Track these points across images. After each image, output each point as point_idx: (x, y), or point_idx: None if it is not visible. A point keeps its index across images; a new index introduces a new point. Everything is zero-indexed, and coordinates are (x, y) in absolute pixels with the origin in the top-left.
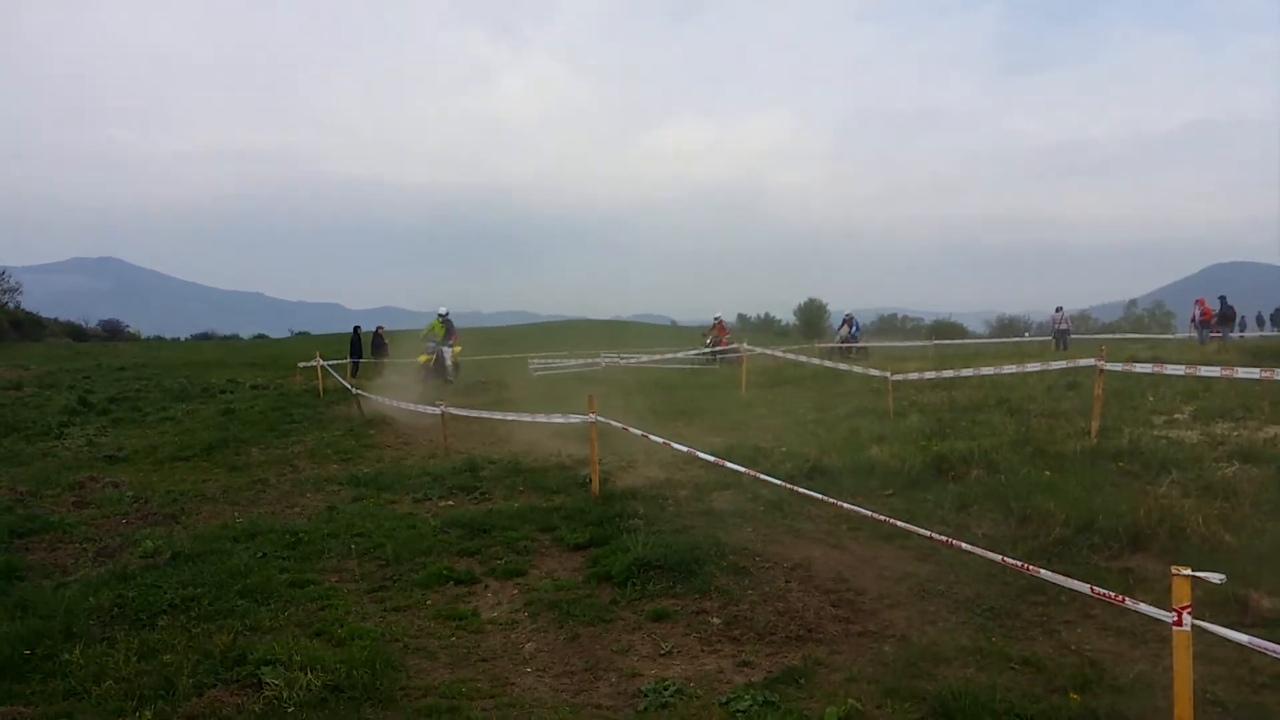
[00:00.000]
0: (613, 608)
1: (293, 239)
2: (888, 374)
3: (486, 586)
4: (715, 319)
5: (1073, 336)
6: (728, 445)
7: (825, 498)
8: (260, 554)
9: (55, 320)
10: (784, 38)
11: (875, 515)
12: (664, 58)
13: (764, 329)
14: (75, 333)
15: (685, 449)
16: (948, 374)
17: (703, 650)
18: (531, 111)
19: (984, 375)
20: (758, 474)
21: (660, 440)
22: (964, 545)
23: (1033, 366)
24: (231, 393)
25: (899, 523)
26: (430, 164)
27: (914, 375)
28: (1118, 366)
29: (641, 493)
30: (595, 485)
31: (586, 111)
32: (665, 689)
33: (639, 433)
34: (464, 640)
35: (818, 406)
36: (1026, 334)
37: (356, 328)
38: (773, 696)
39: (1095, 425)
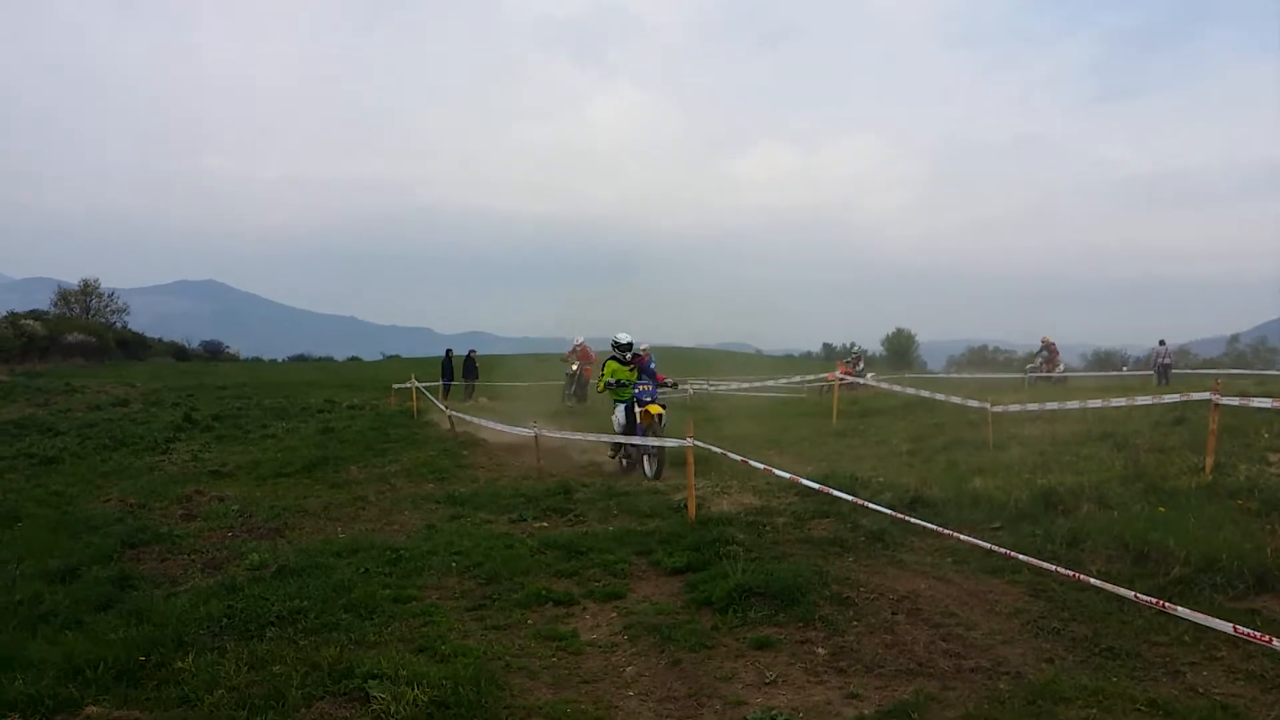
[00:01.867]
0: (714, 634)
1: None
2: (988, 405)
3: (585, 608)
4: (579, 343)
5: (1174, 371)
6: (822, 474)
7: (939, 528)
8: (363, 569)
9: (160, 340)
10: (872, 65)
11: (995, 548)
12: (750, 84)
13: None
14: (178, 352)
15: (788, 475)
16: (1051, 406)
17: (809, 681)
18: (617, 139)
19: (1088, 408)
20: (863, 501)
21: (760, 466)
22: (1092, 580)
23: (1142, 400)
24: (329, 412)
25: (1022, 556)
26: (518, 191)
27: (1015, 407)
28: (1234, 400)
29: (738, 519)
30: (691, 510)
31: (672, 138)
32: (773, 718)
33: (738, 458)
34: (565, 661)
35: (912, 437)
36: (1125, 368)
37: (449, 350)
38: None
39: (1210, 461)
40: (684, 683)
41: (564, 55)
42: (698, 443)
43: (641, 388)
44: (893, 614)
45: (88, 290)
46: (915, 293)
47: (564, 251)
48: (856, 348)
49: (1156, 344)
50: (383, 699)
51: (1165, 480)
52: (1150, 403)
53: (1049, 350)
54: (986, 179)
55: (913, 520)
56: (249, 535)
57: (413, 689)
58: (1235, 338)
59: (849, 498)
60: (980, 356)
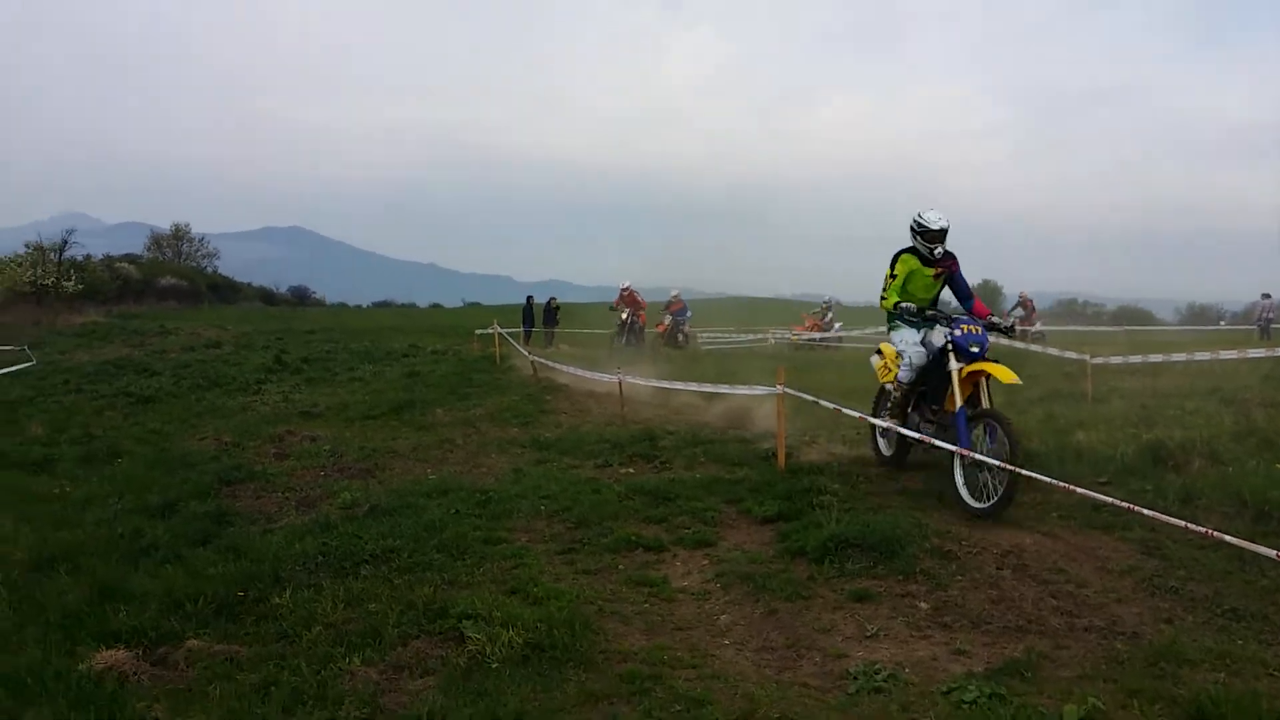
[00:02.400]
0: (810, 584)
1: (465, 213)
2: (1087, 357)
3: (675, 555)
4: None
5: (1275, 326)
6: None
7: (1055, 481)
8: (453, 510)
9: (249, 285)
10: (953, 6)
11: (1116, 501)
12: (830, 28)
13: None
14: (267, 297)
15: (882, 423)
16: (1155, 358)
17: (911, 635)
18: (696, 85)
19: (1194, 361)
20: (967, 452)
21: (855, 414)
22: (1227, 537)
23: (1256, 352)
24: (413, 357)
25: (1148, 511)
26: (596, 141)
27: (1117, 359)
28: None
29: (829, 469)
30: (781, 458)
31: (749, 87)
32: (876, 673)
33: (831, 405)
34: (657, 608)
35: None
36: (1222, 322)
37: (530, 297)
38: (999, 689)
39: None
40: (781, 633)
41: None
42: (788, 390)
43: (964, 329)
44: (998, 569)
45: (179, 235)
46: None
47: (642, 200)
48: (830, 299)
49: (1260, 297)
50: (478, 639)
51: None
52: (1264, 355)
53: (1025, 306)
54: (1078, 126)
55: (1024, 473)
56: (340, 475)
57: (508, 630)
58: None
59: (948, 447)
60: (1070, 309)
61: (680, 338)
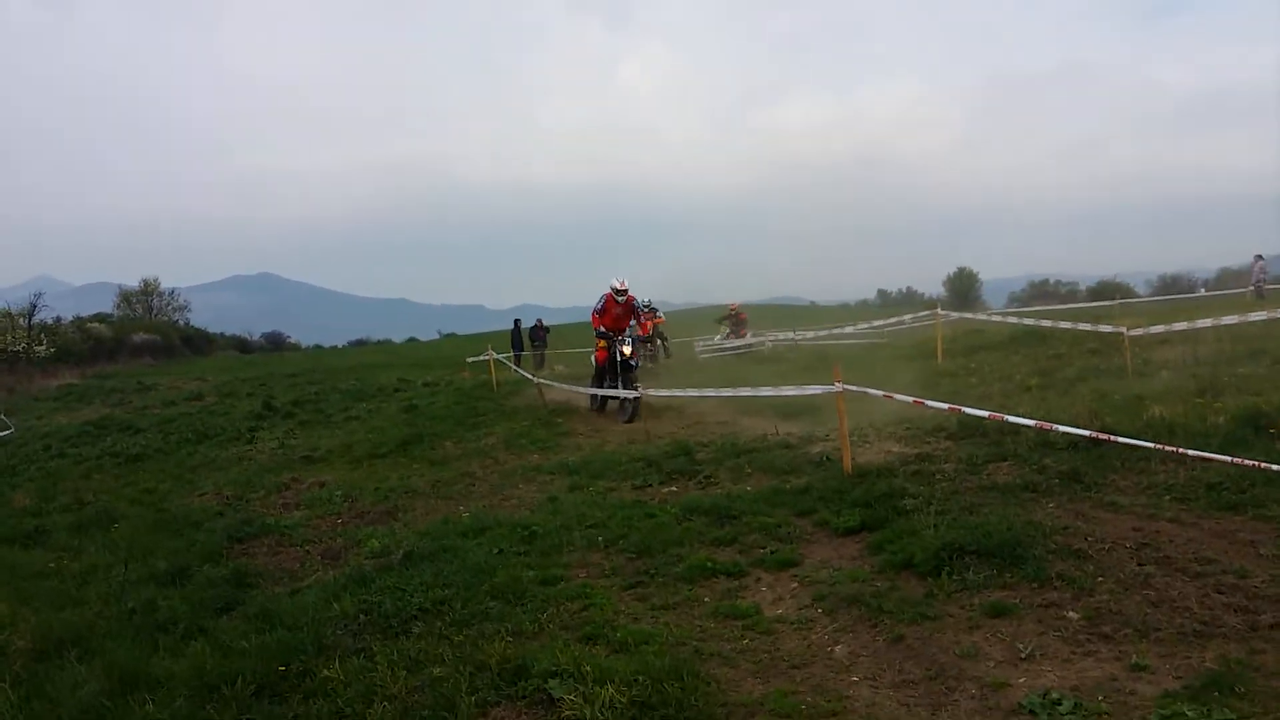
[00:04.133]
0: (931, 602)
1: (432, 244)
2: (1123, 330)
3: (758, 579)
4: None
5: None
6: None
7: (1200, 452)
8: (496, 550)
9: (222, 334)
10: (909, 3)
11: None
12: (781, 32)
13: (907, 303)
14: (242, 345)
15: (945, 406)
16: (1180, 326)
17: (1073, 653)
18: (651, 99)
19: (1224, 326)
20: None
21: (908, 399)
22: None
23: (1256, 316)
24: (405, 391)
25: None
26: (557, 161)
27: (1159, 328)
28: None
29: (898, 469)
30: (847, 461)
31: (706, 95)
32: (1055, 703)
33: (909, 399)
34: (758, 643)
35: (1037, 371)
36: (1203, 289)
37: (517, 321)
38: (1214, 712)
39: None
40: (917, 663)
41: (590, 17)
42: (848, 386)
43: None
44: (1139, 565)
45: (149, 290)
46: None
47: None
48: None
49: (1254, 258)
50: (573, 701)
51: None
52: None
53: (735, 317)
54: (1034, 110)
55: (1143, 443)
56: (360, 520)
57: (605, 687)
58: None
59: (1031, 423)
60: (1042, 291)
61: (661, 346)
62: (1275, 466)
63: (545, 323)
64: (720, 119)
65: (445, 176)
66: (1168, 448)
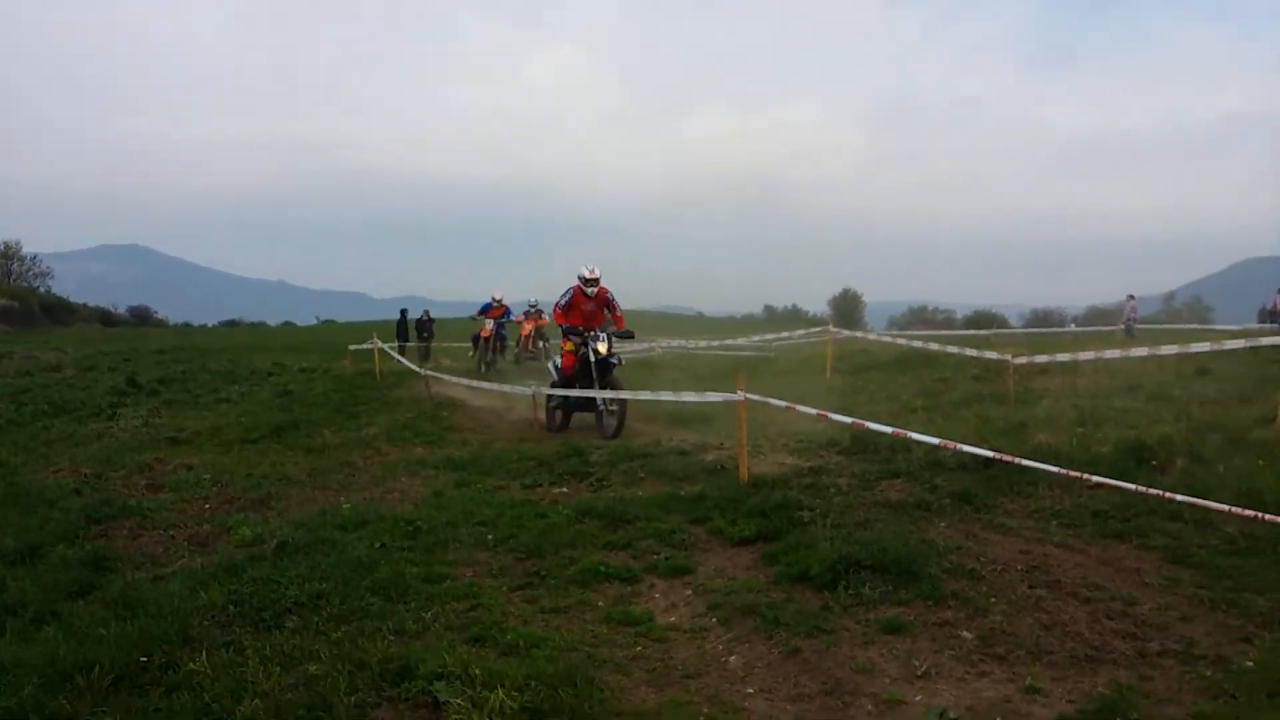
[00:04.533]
0: (827, 615)
1: (316, 228)
2: (1009, 357)
3: (651, 585)
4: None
5: (1139, 327)
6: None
7: (1129, 485)
8: (378, 544)
9: (85, 305)
10: (814, 25)
11: (1195, 499)
12: (691, 45)
13: (793, 320)
14: (105, 318)
15: (848, 419)
16: (1062, 358)
17: (968, 673)
18: (556, 101)
19: (1106, 359)
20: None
21: (813, 411)
22: None
23: (1167, 349)
24: (281, 376)
25: (1217, 505)
26: (454, 155)
27: (1042, 358)
28: None
29: (794, 481)
30: (744, 471)
31: (612, 101)
32: None
33: (813, 411)
34: (652, 650)
35: (922, 392)
36: (1073, 324)
37: (404, 311)
38: None
39: None
40: (812, 676)
41: (500, 15)
42: (750, 395)
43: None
44: (1030, 587)
45: (9, 254)
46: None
47: (500, 215)
48: (535, 301)
49: (1125, 299)
50: (460, 706)
51: (1243, 432)
52: (1176, 353)
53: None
54: (927, 141)
55: (1046, 467)
56: (230, 507)
57: (494, 692)
58: (1171, 295)
59: (933, 440)
60: (921, 317)
61: (543, 347)
62: (1179, 497)
63: (432, 315)
64: (623, 127)
65: (338, 161)
66: (1084, 475)
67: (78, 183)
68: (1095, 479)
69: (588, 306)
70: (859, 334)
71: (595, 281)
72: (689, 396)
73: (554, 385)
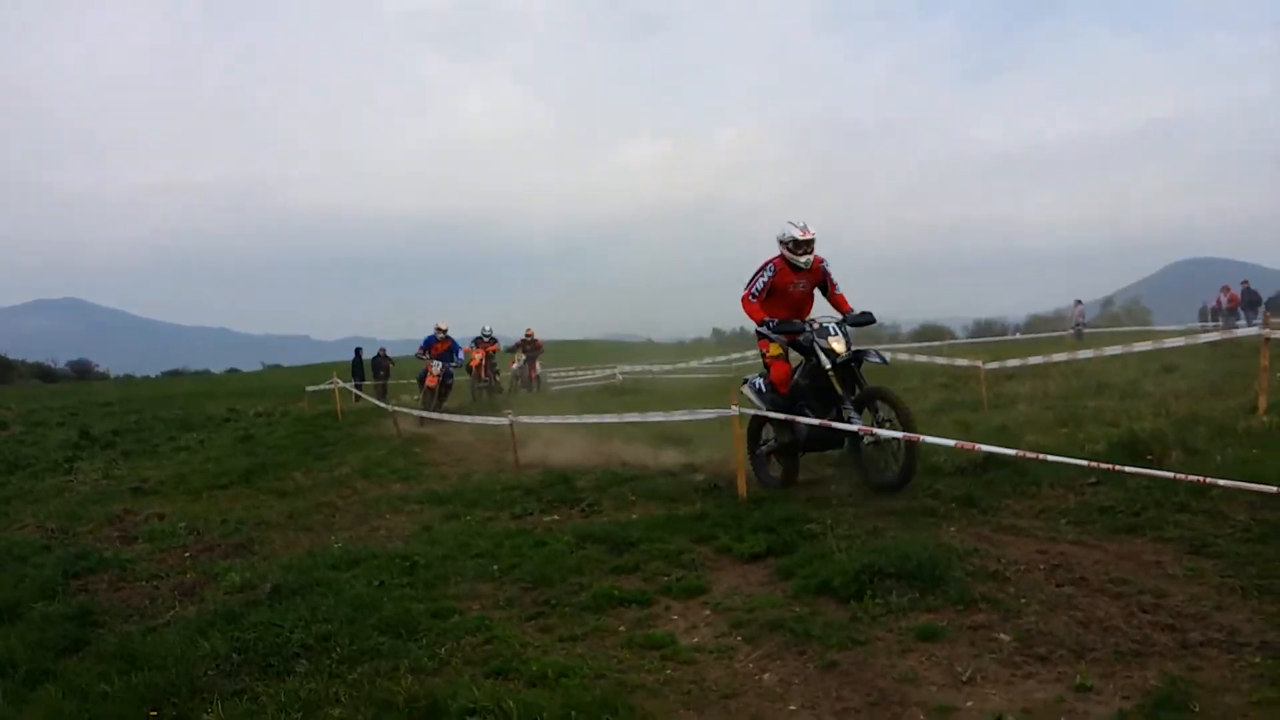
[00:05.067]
0: (858, 626)
1: (256, 272)
2: (979, 364)
3: (667, 607)
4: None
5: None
6: None
7: (1144, 470)
8: (376, 582)
9: (23, 362)
10: (743, 52)
11: (1213, 480)
12: (626, 72)
13: (742, 341)
14: (44, 374)
15: (855, 427)
16: (1034, 360)
17: (1013, 675)
18: (494, 134)
19: (1078, 360)
20: (866, 429)
21: (815, 422)
22: None
23: (1141, 346)
24: (237, 421)
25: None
26: (394, 191)
27: (1014, 362)
28: None
29: (794, 495)
30: (742, 487)
31: (548, 132)
32: None
33: (816, 421)
34: (682, 673)
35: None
36: (1018, 333)
37: (358, 350)
38: None
39: (1264, 401)
40: (854, 689)
41: (435, 49)
42: (744, 410)
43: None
44: (1057, 586)
45: None
46: None
47: (442, 250)
48: (487, 328)
49: (1073, 304)
50: None
51: (1230, 422)
52: (1151, 348)
53: (533, 344)
54: (858, 160)
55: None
56: (210, 554)
57: None
58: (1110, 300)
59: (949, 442)
60: (865, 332)
61: (494, 378)
62: (1221, 482)
63: (389, 353)
64: (561, 155)
65: (275, 203)
66: (1115, 467)
67: (7, 238)
68: (1129, 470)
69: (798, 287)
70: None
71: (809, 245)
72: (680, 415)
73: (763, 414)
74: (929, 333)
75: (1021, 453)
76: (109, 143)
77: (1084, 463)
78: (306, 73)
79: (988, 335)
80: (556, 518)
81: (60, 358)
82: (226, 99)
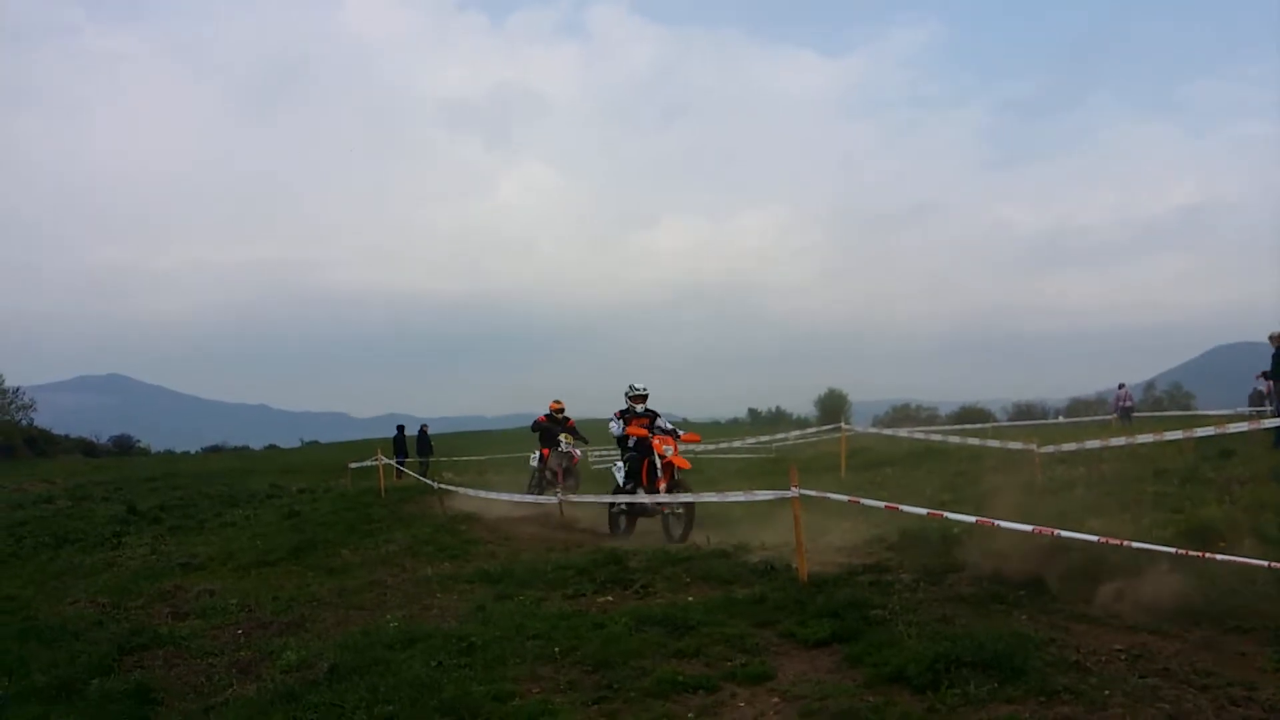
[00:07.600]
0: (935, 717)
1: (295, 350)
2: (1034, 446)
3: (733, 694)
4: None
5: (1135, 414)
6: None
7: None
8: (434, 663)
9: (66, 436)
10: (775, 136)
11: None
12: (658, 159)
13: (778, 422)
14: (87, 449)
15: (923, 510)
16: (1091, 444)
17: None
18: (527, 217)
19: (1131, 445)
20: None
21: (880, 504)
22: None
23: (1203, 431)
24: (280, 497)
25: None
26: (430, 273)
27: (1070, 446)
28: None
29: (853, 579)
30: (803, 570)
31: (582, 213)
32: None
33: (882, 504)
34: None
35: (945, 486)
36: (1060, 417)
37: (400, 427)
38: None
39: None
40: None
41: (469, 136)
42: (804, 491)
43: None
44: (1141, 677)
45: None
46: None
47: (478, 331)
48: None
49: (1116, 387)
50: None
51: None
52: (1214, 433)
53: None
54: (891, 244)
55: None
56: (264, 631)
57: None
58: (1151, 384)
59: (1025, 528)
60: (904, 414)
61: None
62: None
63: (430, 430)
64: (595, 237)
65: (313, 282)
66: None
67: (54, 314)
68: (1220, 557)
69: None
70: (874, 430)
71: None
72: (736, 496)
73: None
74: (970, 414)
75: (1104, 539)
76: (154, 223)
77: (1168, 549)
78: (346, 157)
79: (1028, 418)
80: (610, 599)
81: (102, 433)
82: (266, 183)
